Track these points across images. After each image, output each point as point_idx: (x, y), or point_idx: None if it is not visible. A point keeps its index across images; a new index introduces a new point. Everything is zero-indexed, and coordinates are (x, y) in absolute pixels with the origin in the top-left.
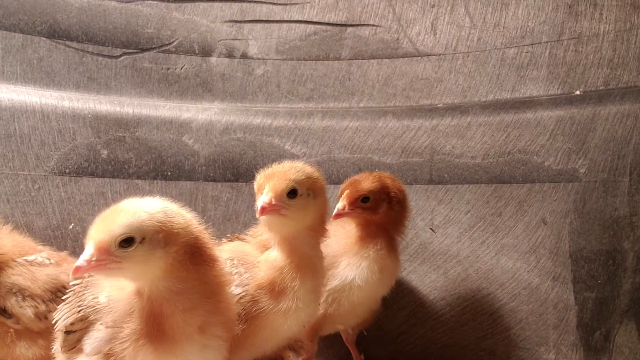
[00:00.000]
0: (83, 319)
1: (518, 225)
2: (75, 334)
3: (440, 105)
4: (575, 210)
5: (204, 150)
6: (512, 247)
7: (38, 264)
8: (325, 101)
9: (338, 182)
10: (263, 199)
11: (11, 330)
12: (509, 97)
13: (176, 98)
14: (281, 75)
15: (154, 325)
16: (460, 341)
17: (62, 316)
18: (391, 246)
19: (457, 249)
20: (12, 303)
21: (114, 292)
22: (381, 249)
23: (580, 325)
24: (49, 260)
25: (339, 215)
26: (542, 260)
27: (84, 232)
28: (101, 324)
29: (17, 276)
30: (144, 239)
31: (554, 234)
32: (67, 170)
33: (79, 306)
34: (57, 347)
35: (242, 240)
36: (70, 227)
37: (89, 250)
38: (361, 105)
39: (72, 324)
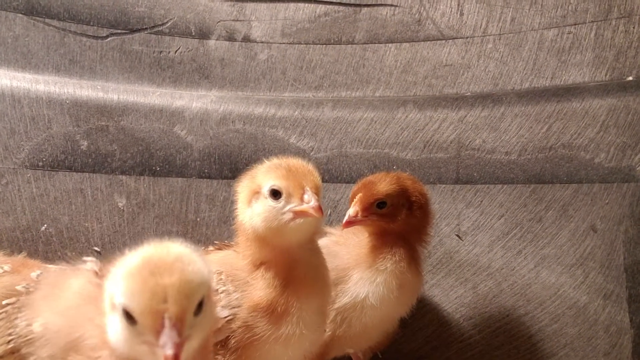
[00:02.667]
0: (14, 351)
1: (562, 232)
2: None
3: (469, 94)
4: (632, 216)
5: (198, 142)
6: (555, 259)
7: None
8: (336, 90)
9: (350, 180)
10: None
11: None
12: (548, 84)
13: (169, 85)
14: (287, 61)
15: None
16: None
17: None
18: (412, 258)
19: (489, 260)
20: None
21: (52, 320)
22: (400, 261)
23: (637, 351)
24: (2, 268)
25: (350, 223)
26: (591, 275)
27: (58, 234)
28: (35, 359)
29: None
30: None
31: (606, 244)
32: (41, 164)
33: (9, 335)
34: None
35: (233, 249)
36: (43, 228)
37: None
38: (377, 94)
39: (0, 356)
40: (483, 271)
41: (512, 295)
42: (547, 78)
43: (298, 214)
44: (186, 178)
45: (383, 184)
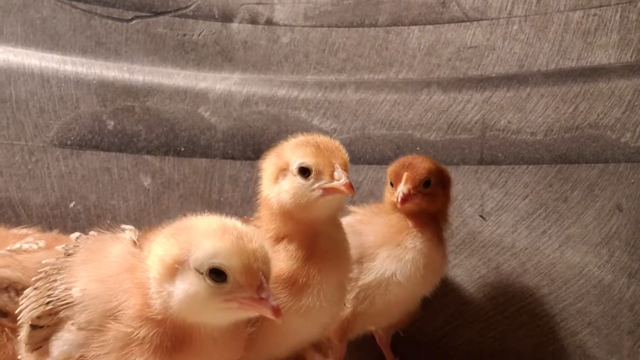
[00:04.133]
0: (52, 313)
1: (588, 212)
2: (42, 331)
3: (494, 75)
4: None
5: (221, 124)
6: (580, 238)
7: (25, 251)
8: (359, 73)
9: (372, 162)
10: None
11: (6, 329)
12: (574, 65)
13: (193, 67)
14: (310, 44)
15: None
16: (514, 347)
17: (29, 305)
18: (439, 239)
19: (513, 240)
20: (5, 300)
21: (92, 286)
22: (429, 241)
23: None
24: (37, 244)
25: (405, 199)
26: (617, 254)
27: (86, 211)
28: (73, 323)
29: (3, 269)
30: None
31: (632, 223)
32: (69, 142)
33: (49, 296)
34: (21, 344)
35: (253, 224)
36: (71, 205)
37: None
38: (400, 77)
39: (38, 317)
40: (507, 251)
41: (536, 274)
42: (573, 59)
43: (328, 191)
44: (210, 159)
45: (425, 163)
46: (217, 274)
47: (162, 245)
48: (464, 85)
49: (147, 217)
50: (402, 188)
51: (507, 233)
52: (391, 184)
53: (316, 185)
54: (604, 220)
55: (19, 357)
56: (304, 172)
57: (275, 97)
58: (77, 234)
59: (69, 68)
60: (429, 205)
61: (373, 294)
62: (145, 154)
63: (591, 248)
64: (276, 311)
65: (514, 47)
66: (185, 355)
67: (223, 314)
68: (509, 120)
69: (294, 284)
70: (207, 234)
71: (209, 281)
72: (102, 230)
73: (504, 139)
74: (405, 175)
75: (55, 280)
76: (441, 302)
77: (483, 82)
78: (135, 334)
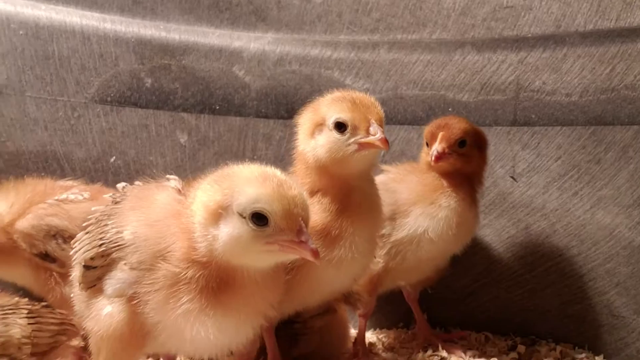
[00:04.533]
0: (104, 254)
1: (620, 174)
2: (95, 271)
3: (530, 35)
4: None
5: (255, 82)
6: (612, 200)
7: (71, 201)
8: (392, 33)
9: (404, 122)
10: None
11: (55, 273)
12: (612, 26)
13: (227, 26)
14: (343, 4)
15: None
16: (541, 305)
17: (82, 247)
18: (472, 199)
19: (543, 201)
20: (53, 247)
21: (142, 229)
22: (463, 200)
23: None
24: (82, 195)
25: (439, 157)
26: None
27: (125, 166)
28: (125, 263)
29: (51, 217)
30: None
31: None
32: (109, 99)
33: (101, 239)
34: (74, 284)
35: None
36: (112, 160)
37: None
38: (434, 37)
39: (92, 258)
40: (537, 212)
41: (565, 235)
42: (611, 20)
43: (364, 146)
44: (244, 117)
45: (461, 123)
46: (259, 218)
47: (206, 192)
48: (498, 45)
49: (184, 173)
50: (437, 147)
51: (538, 194)
52: (427, 144)
53: (352, 140)
54: (637, 182)
55: (71, 295)
56: (340, 127)
57: (308, 57)
58: (123, 184)
59: (108, 26)
60: (464, 166)
61: (405, 250)
62: (181, 111)
63: (622, 210)
64: (315, 253)
65: (551, 6)
66: (230, 295)
67: (264, 257)
68: (544, 81)
69: (327, 236)
70: (249, 181)
71: (251, 225)
72: (148, 180)
73: (538, 100)
74: (440, 135)
75: (106, 225)
76: (470, 260)
77: (518, 43)
78: (183, 274)
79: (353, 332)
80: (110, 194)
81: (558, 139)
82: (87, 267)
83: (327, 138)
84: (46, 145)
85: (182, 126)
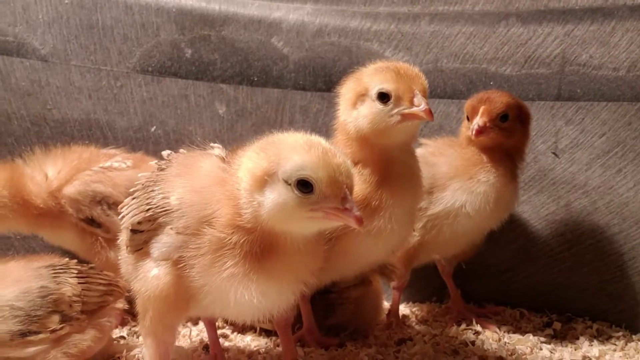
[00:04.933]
0: (151, 219)
1: None
2: (142, 235)
3: (577, 7)
4: None
5: (294, 54)
6: None
7: (115, 169)
8: (433, 4)
9: (443, 96)
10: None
11: (100, 238)
12: None
13: None
14: None
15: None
16: (578, 283)
17: (129, 212)
18: (513, 175)
19: (585, 178)
20: (99, 212)
21: (188, 196)
22: (502, 176)
23: None
24: (125, 163)
25: (479, 132)
26: None
27: (165, 135)
28: (171, 228)
29: (97, 184)
30: None
31: None
32: (150, 69)
33: (148, 204)
34: (122, 247)
35: None
36: (152, 129)
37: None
38: (477, 8)
39: (139, 222)
40: (578, 189)
41: (607, 213)
42: None
43: (407, 117)
44: (282, 89)
45: (504, 97)
46: (304, 185)
47: (252, 159)
48: (544, 17)
49: (222, 143)
50: (478, 120)
51: (580, 171)
52: (467, 118)
53: (395, 110)
54: None
55: (118, 258)
56: (383, 97)
57: (347, 28)
58: (168, 151)
59: None
60: (505, 140)
61: (441, 223)
62: (220, 82)
63: None
64: (359, 220)
65: None
66: (273, 261)
67: (309, 223)
68: (591, 55)
69: (367, 207)
70: (294, 149)
71: (296, 192)
72: (192, 148)
73: (584, 74)
74: (482, 109)
75: (153, 191)
76: (506, 237)
77: (565, 15)
78: (228, 239)
79: (386, 304)
80: (156, 161)
81: (603, 114)
82: (134, 231)
83: (370, 109)
84: (90, 113)
85: (221, 97)
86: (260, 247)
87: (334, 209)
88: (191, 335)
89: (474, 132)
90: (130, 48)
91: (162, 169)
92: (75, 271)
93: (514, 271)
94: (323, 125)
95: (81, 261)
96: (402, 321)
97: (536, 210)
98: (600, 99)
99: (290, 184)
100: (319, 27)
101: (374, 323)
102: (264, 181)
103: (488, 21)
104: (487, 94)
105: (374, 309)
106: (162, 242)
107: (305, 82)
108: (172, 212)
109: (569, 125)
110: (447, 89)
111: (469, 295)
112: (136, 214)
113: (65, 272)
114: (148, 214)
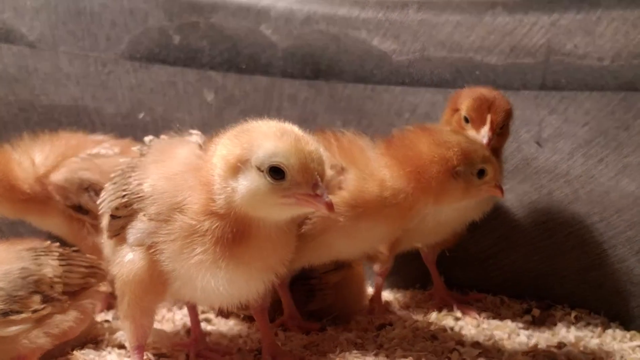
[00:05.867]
0: (127, 205)
1: None
2: (120, 220)
3: None
4: None
5: (282, 42)
6: (638, 167)
7: (102, 156)
8: None
9: (430, 84)
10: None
11: (87, 224)
12: None
13: None
14: None
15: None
16: (559, 270)
17: (108, 197)
18: None
19: (568, 167)
20: (86, 199)
21: (160, 183)
22: None
23: None
24: (112, 150)
25: (489, 143)
26: None
27: (153, 122)
28: (144, 214)
29: (84, 171)
30: None
31: None
32: (138, 55)
33: (124, 190)
34: (103, 232)
35: None
36: (140, 116)
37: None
38: None
39: (116, 208)
40: (560, 178)
41: (588, 202)
42: None
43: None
44: (270, 77)
45: (504, 103)
46: (276, 172)
47: (225, 146)
48: (531, 6)
49: (210, 130)
50: (488, 133)
51: (563, 160)
52: (465, 119)
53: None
54: None
55: (101, 241)
56: None
57: (335, 16)
58: (150, 137)
59: None
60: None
61: (424, 213)
62: (208, 69)
63: None
64: (329, 206)
65: None
66: (244, 247)
67: (281, 209)
68: (576, 45)
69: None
70: (267, 136)
71: (268, 178)
72: (172, 134)
73: (568, 63)
74: (489, 118)
75: (130, 177)
76: (489, 225)
77: (551, 4)
78: (198, 226)
79: (370, 290)
80: (138, 147)
81: (587, 104)
82: (113, 217)
83: None
84: (78, 100)
85: (209, 84)
86: (231, 234)
87: (305, 195)
88: (175, 319)
89: (485, 143)
90: (119, 34)
91: (142, 155)
92: (57, 254)
93: (496, 258)
94: (310, 113)
95: (68, 245)
96: (385, 307)
97: (519, 198)
98: (584, 89)
99: (262, 171)
100: (307, 15)
101: (356, 308)
102: (237, 168)
103: (475, 10)
104: (490, 98)
105: (356, 294)
106: (137, 228)
107: (294, 69)
108: (145, 198)
109: (553, 115)
110: (433, 77)
111: (452, 282)
112: (113, 200)
113: (46, 254)
114: (124, 200)
